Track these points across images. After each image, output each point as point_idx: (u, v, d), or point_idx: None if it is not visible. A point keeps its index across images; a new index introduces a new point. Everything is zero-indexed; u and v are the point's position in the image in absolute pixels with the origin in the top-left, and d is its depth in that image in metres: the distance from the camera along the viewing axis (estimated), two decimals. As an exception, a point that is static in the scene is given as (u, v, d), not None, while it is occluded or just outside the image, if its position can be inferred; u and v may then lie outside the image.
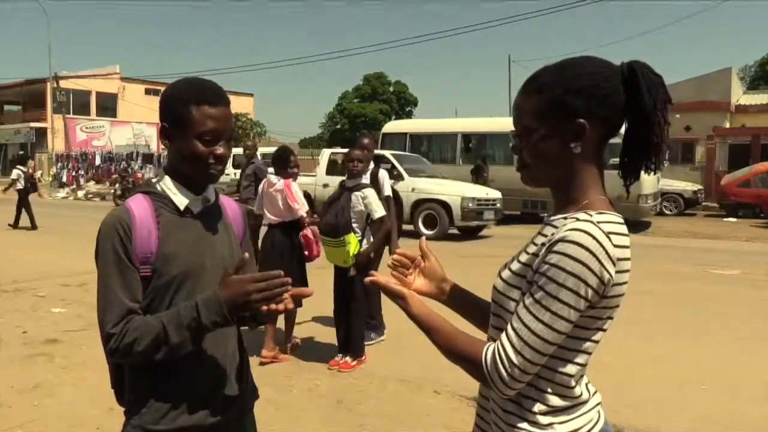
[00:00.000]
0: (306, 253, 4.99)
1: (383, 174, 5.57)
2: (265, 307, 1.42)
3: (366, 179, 5.35)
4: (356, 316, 4.80)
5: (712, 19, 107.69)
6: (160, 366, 1.47)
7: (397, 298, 1.32)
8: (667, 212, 17.34)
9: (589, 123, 1.18)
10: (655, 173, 1.27)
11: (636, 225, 13.44)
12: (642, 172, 1.26)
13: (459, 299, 1.48)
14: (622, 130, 1.25)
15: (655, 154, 1.22)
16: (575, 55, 1.25)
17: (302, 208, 4.95)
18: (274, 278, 1.39)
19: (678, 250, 10.90)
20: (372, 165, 5.55)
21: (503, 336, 1.16)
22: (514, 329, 1.14)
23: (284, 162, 5.06)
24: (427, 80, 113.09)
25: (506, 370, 1.13)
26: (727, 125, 22.62)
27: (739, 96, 25.22)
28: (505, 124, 14.74)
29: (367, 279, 1.36)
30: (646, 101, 1.18)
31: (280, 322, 5.12)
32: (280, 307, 1.45)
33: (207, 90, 1.51)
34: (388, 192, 5.53)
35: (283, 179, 5.00)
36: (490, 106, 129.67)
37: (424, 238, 1.54)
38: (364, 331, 5.00)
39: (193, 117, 1.47)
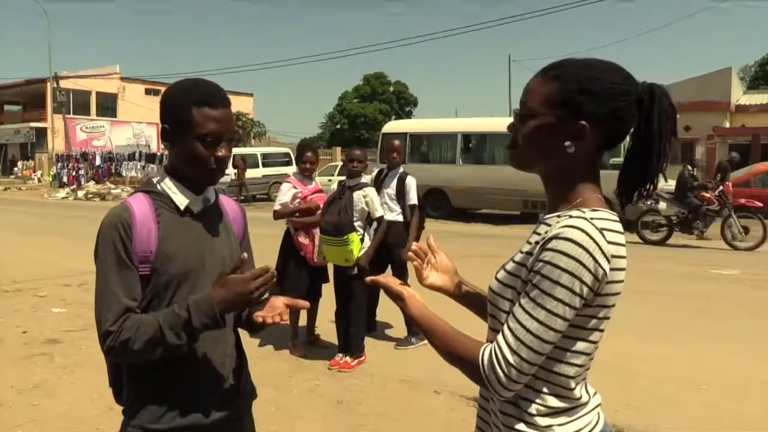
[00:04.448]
0: (302, 254, 5.05)
1: (411, 180, 5.46)
2: (260, 319, 1.46)
3: (392, 186, 5.38)
4: (356, 316, 4.79)
5: (712, 19, 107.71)
6: (158, 365, 1.47)
7: (397, 298, 1.33)
8: (667, 212, 17.28)
9: (591, 128, 1.18)
10: (646, 200, 1.27)
11: (636, 225, 13.41)
12: (634, 197, 1.26)
13: (467, 295, 1.49)
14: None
15: (650, 180, 1.22)
16: (594, 56, 1.25)
17: (276, 206, 5.04)
18: (265, 272, 1.41)
19: (678, 250, 10.89)
20: (401, 169, 5.52)
21: (499, 336, 1.15)
22: (510, 329, 1.14)
23: (297, 157, 5.22)
24: (427, 80, 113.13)
25: (503, 371, 1.12)
26: (727, 125, 22.62)
27: (739, 96, 25.22)
28: (505, 124, 14.47)
29: (367, 278, 1.39)
30: (655, 128, 1.18)
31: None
32: (276, 319, 1.47)
33: (208, 91, 1.50)
34: (414, 200, 5.43)
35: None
36: (490, 106, 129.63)
37: (431, 236, 1.55)
38: (364, 332, 4.99)
39: (194, 119, 1.47)
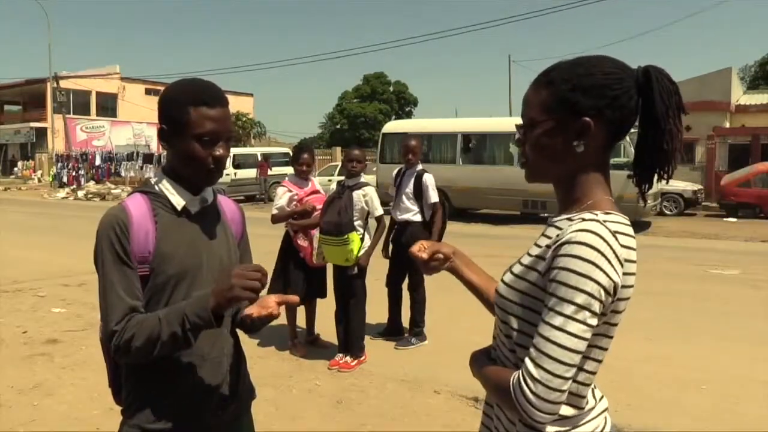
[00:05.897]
0: (301, 255, 5.04)
1: (428, 178, 5.31)
2: (256, 315, 1.46)
3: (410, 186, 5.31)
4: (356, 316, 4.79)
5: (712, 19, 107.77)
6: (157, 365, 1.47)
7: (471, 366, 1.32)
8: (667, 212, 17.30)
9: (594, 122, 1.16)
10: (667, 181, 1.24)
11: (636, 225, 13.42)
12: (655, 179, 1.24)
13: (473, 279, 1.49)
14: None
15: (667, 162, 1.20)
16: (592, 53, 1.23)
17: (273, 210, 5.06)
18: (256, 270, 1.37)
19: (678, 250, 10.88)
20: (419, 167, 5.42)
21: (526, 356, 1.11)
22: (533, 344, 1.09)
23: (293, 159, 5.17)
24: (427, 80, 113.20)
25: (530, 388, 1.06)
26: (727, 125, 22.59)
27: (739, 96, 25.18)
28: (505, 124, 14.72)
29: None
30: (659, 107, 1.16)
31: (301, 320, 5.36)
32: (267, 312, 1.47)
33: (205, 91, 1.50)
34: (435, 198, 5.28)
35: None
36: (490, 106, 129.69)
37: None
38: (364, 332, 4.99)
39: (191, 118, 1.46)
